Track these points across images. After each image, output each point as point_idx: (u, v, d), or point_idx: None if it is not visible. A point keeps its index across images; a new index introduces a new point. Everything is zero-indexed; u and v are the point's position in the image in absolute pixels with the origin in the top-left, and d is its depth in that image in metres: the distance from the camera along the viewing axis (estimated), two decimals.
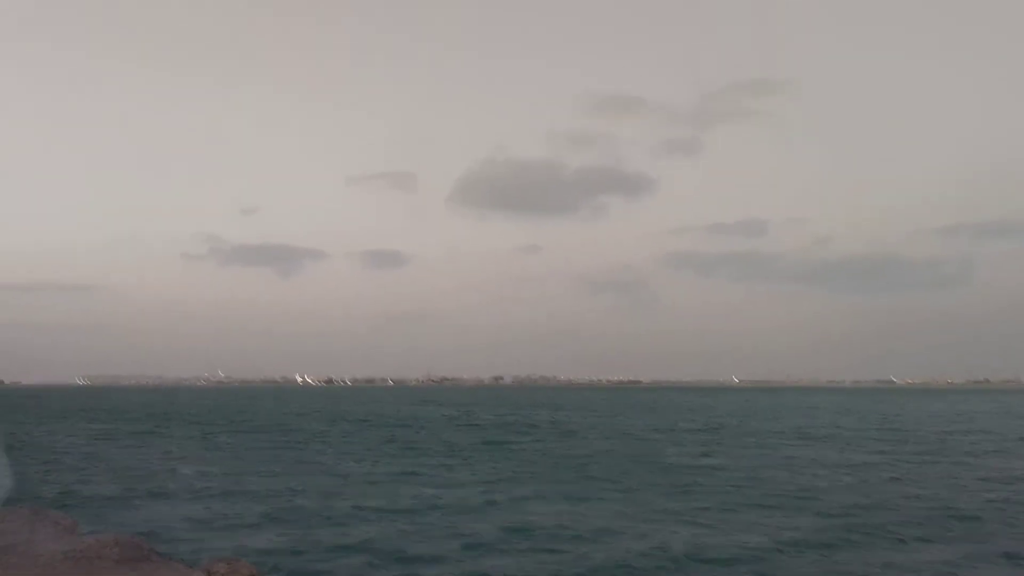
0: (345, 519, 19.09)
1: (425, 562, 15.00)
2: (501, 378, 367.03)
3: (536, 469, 29.43)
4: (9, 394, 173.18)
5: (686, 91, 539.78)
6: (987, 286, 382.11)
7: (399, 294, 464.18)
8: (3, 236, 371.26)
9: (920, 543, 16.66)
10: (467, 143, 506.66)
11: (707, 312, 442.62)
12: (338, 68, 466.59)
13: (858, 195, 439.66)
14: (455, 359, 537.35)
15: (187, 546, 15.54)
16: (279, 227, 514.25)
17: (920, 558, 15.37)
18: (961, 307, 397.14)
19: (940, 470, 29.63)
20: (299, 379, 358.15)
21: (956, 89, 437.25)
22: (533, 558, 15.35)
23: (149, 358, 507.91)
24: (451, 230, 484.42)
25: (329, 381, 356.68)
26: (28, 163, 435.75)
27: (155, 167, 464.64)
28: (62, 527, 13.50)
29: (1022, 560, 15.29)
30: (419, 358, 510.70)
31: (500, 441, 42.85)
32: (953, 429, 54.57)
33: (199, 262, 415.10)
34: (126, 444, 40.95)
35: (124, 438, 45.19)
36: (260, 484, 24.87)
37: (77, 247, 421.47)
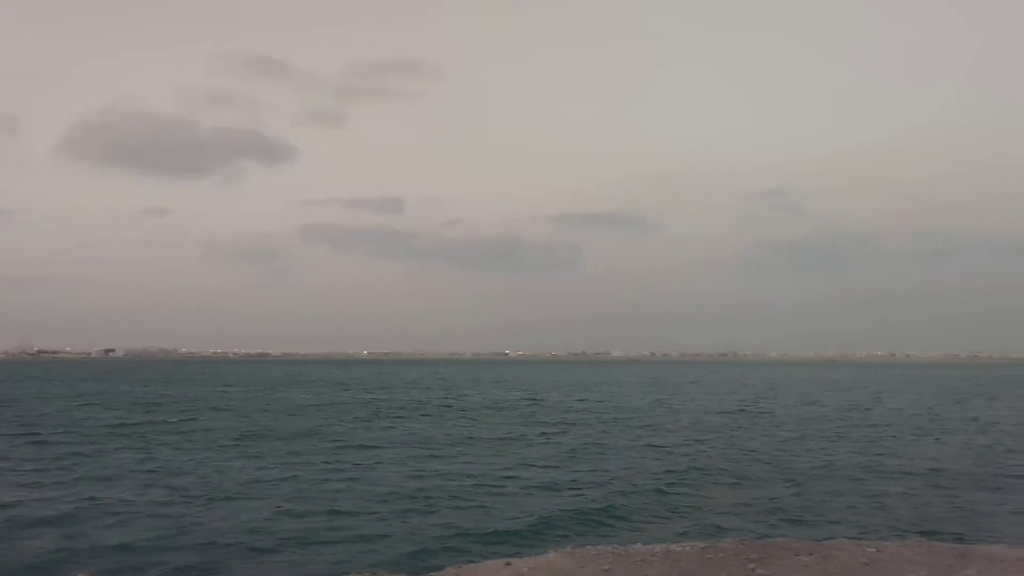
0: None
1: None
2: (112, 351, 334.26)
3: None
4: None
5: (334, 61, 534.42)
6: (589, 270, 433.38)
7: None
8: None
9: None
10: (84, 88, 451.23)
11: (341, 286, 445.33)
12: None
13: (487, 181, 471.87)
14: (57, 329, 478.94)
15: None
16: None
17: None
18: (567, 287, 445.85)
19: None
20: None
21: (571, 94, 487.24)
22: None
23: None
24: (60, 184, 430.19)
25: None
26: None
27: None
28: None
29: None
30: (10, 328, 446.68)
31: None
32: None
33: None
34: None
35: None
36: None
37: None
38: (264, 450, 25.95)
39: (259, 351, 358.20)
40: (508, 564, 9.96)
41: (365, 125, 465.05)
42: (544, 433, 31.68)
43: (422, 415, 41.55)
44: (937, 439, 30.28)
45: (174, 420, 37.03)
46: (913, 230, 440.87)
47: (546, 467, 22.35)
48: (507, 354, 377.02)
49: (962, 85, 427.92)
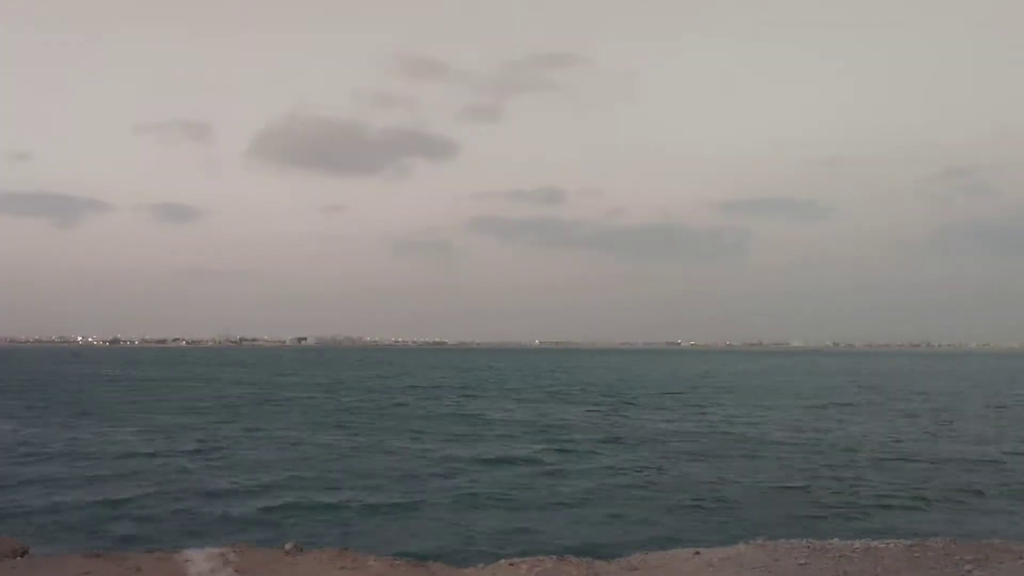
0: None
1: None
2: (304, 339, 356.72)
3: None
4: None
5: (489, 59, 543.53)
6: (759, 256, 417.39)
7: (193, 250, 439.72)
8: None
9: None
10: (268, 96, 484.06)
11: (509, 275, 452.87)
12: (125, 5, 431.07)
13: (648, 168, 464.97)
14: (255, 319, 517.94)
15: None
16: (55, 175, 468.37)
17: None
18: (736, 275, 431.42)
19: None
20: (80, 339, 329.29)
21: (735, 72, 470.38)
22: None
23: None
24: (250, 185, 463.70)
25: (115, 342, 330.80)
26: None
27: None
28: None
29: None
30: (215, 318, 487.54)
31: None
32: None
33: None
34: None
35: None
36: None
37: None
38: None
39: (436, 340, 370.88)
40: (697, 554, 9.71)
41: (522, 118, 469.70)
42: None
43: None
44: None
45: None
46: None
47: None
48: (679, 343, 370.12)
49: None
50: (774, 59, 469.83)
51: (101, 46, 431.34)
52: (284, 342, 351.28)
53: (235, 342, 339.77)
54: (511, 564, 9.01)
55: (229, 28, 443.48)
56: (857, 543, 10.28)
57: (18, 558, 9.63)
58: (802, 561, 9.28)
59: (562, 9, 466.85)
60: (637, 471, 19.95)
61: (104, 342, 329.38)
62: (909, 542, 10.36)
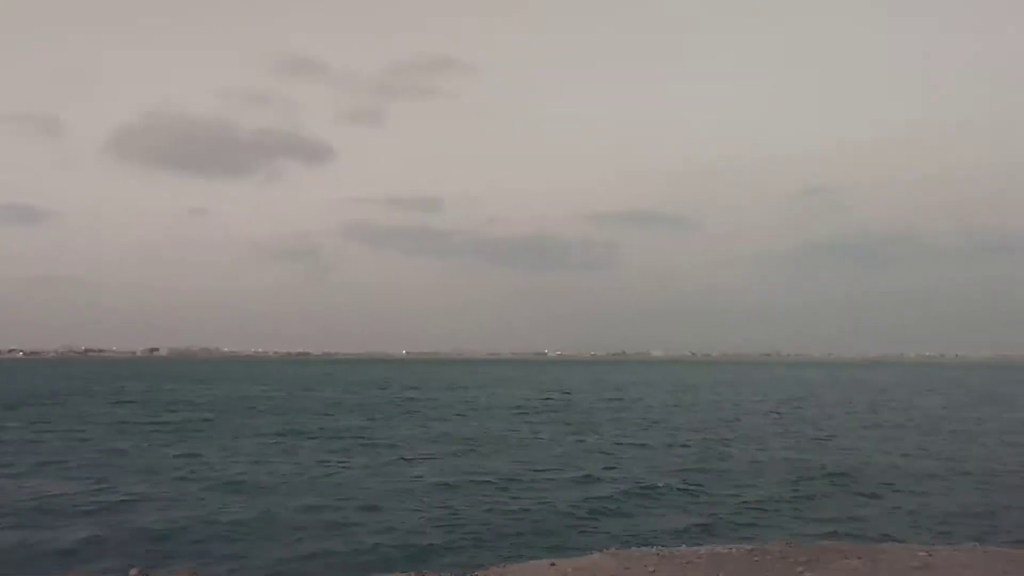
0: None
1: None
2: (156, 350, 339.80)
3: None
4: None
5: (371, 62, 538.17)
6: (626, 268, 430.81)
7: (35, 255, 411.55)
8: None
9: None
10: (128, 91, 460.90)
11: (380, 285, 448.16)
12: None
13: (524, 179, 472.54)
14: (101, 328, 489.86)
15: None
16: None
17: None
18: (606, 286, 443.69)
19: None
20: None
21: (610, 90, 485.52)
22: None
23: None
24: (104, 186, 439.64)
25: None
26: None
27: None
28: None
29: None
30: (57, 327, 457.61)
31: None
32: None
33: None
34: None
35: None
36: None
37: None
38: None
39: (300, 351, 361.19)
40: (553, 565, 9.94)
41: (403, 124, 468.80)
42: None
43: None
44: None
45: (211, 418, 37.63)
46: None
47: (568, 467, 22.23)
48: (546, 354, 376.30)
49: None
50: (648, 72, 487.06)
51: None
52: (135, 352, 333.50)
53: (79, 352, 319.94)
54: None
55: (77, 17, 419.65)
56: (703, 549, 10.82)
57: None
58: (652, 569, 9.67)
59: (449, 14, 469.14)
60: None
61: None
62: (750, 546, 10.98)
